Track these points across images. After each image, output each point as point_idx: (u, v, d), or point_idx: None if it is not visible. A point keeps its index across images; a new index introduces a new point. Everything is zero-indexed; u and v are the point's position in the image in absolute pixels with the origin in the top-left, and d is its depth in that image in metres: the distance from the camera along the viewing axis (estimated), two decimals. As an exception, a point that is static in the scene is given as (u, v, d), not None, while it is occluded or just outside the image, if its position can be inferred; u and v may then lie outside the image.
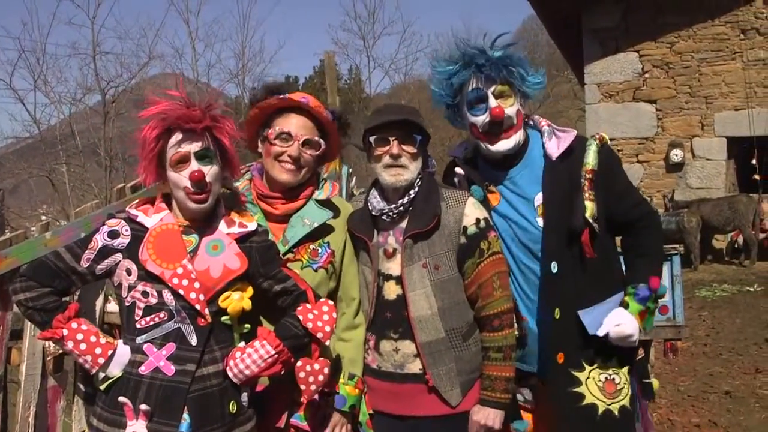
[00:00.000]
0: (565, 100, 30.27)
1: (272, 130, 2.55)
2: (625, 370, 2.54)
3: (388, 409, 2.55)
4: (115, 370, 2.21)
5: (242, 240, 2.35)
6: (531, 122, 2.67)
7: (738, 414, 5.46)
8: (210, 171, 2.25)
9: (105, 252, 2.26)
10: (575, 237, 2.48)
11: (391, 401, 2.54)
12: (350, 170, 8.49)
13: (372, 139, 2.51)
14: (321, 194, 2.64)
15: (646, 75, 12.19)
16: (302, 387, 2.33)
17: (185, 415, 2.19)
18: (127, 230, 2.28)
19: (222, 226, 2.34)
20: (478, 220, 2.49)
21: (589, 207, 2.47)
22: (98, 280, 2.35)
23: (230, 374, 2.26)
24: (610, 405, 2.49)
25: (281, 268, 2.39)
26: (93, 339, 2.21)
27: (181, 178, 2.23)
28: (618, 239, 2.69)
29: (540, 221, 2.53)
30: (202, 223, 2.33)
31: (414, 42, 62.46)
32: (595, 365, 2.52)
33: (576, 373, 2.51)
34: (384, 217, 2.53)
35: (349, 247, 2.67)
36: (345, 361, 2.58)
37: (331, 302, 2.39)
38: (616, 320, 2.46)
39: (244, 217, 2.40)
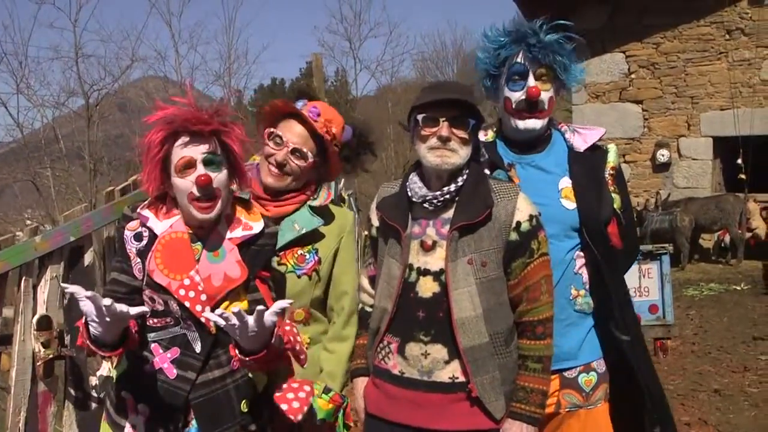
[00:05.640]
0: (551, 101, 30.39)
1: (271, 130, 2.54)
2: None
3: (409, 420, 2.27)
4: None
5: (246, 243, 2.25)
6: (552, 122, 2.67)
7: (728, 412, 5.48)
8: (217, 177, 2.14)
9: (142, 256, 2.21)
10: (604, 227, 2.52)
11: (413, 412, 2.26)
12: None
13: (420, 117, 2.26)
14: (316, 201, 2.60)
15: (633, 75, 12.25)
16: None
17: (193, 422, 2.18)
18: (145, 231, 2.23)
19: (222, 229, 2.25)
20: (531, 217, 2.28)
21: (617, 199, 2.56)
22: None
23: None
24: None
25: (256, 280, 2.30)
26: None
27: (187, 183, 2.13)
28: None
29: (564, 203, 2.51)
30: (206, 228, 2.24)
31: (400, 44, 62.74)
32: None
33: None
34: (426, 205, 2.29)
35: (345, 255, 2.63)
36: (324, 373, 2.54)
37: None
38: None
39: (250, 215, 2.29)
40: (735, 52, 11.74)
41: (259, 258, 2.29)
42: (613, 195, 2.56)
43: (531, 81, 2.49)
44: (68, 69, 20.03)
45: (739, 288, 9.85)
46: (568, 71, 2.52)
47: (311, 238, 2.56)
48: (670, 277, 4.95)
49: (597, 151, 2.60)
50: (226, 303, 2.20)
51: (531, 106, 2.50)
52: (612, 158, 2.61)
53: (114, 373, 2.27)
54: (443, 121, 2.23)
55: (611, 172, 2.59)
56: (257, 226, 2.27)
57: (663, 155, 11.93)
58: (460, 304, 2.21)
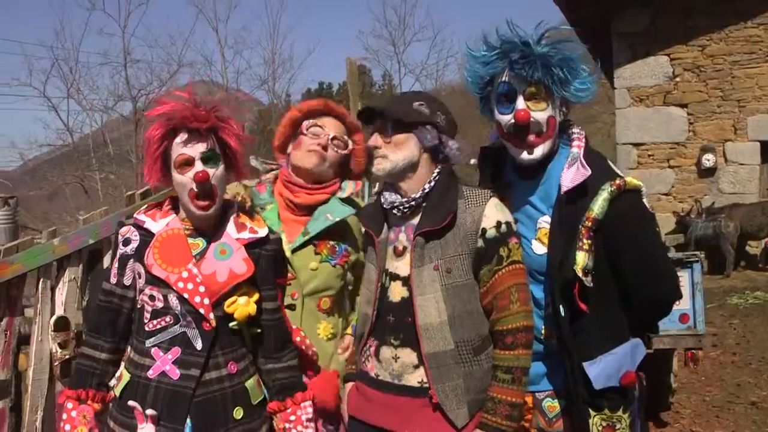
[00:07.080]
0: (599, 104, 29.98)
1: (311, 121, 2.79)
2: (627, 414, 2.32)
3: (383, 423, 2.30)
4: None
5: (252, 246, 2.33)
6: (567, 134, 2.39)
7: (764, 426, 5.31)
8: (215, 173, 2.22)
9: (123, 261, 2.30)
10: (569, 283, 2.24)
11: (385, 414, 2.30)
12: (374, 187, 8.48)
13: None
14: (344, 193, 2.80)
15: (677, 79, 11.96)
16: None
17: (188, 420, 2.20)
18: (136, 235, 2.30)
19: (231, 230, 2.32)
20: (498, 223, 2.23)
21: (580, 260, 2.20)
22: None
23: None
24: None
25: (275, 286, 2.40)
26: (67, 428, 2.21)
27: (185, 179, 2.22)
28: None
29: (535, 245, 2.33)
30: (211, 227, 2.32)
31: (445, 48, 62.51)
32: (602, 411, 2.30)
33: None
34: (395, 211, 2.33)
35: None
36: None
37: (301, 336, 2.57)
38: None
39: (255, 222, 2.38)
40: (784, 54, 11.41)
41: (275, 263, 2.40)
42: (578, 254, 2.19)
43: (520, 103, 2.23)
44: (117, 74, 20.54)
45: (786, 297, 9.53)
46: (567, 84, 2.24)
47: (339, 233, 2.76)
48: (702, 286, 4.79)
49: (584, 196, 2.24)
50: (234, 297, 2.26)
51: (521, 131, 2.26)
52: (596, 208, 2.20)
53: (117, 390, 2.29)
54: (372, 132, 2.35)
55: (587, 224, 2.20)
56: (262, 231, 2.36)
57: (708, 160, 11.63)
58: (425, 310, 2.24)
